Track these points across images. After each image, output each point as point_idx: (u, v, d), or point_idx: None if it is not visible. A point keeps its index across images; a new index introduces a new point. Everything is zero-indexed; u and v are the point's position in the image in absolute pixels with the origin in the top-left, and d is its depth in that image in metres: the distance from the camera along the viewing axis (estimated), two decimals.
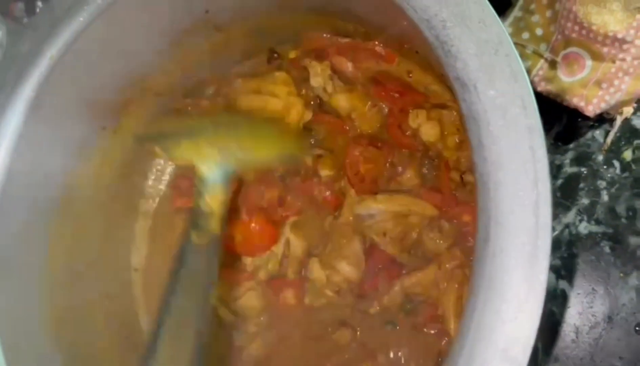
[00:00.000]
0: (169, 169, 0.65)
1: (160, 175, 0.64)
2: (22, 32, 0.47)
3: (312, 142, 0.59)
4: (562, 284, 0.56)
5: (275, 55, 0.61)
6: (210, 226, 0.50)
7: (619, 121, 0.55)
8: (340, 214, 0.56)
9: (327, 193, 0.57)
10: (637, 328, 0.54)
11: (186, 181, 0.61)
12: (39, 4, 0.63)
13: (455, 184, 0.54)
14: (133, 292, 0.62)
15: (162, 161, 0.64)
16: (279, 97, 0.57)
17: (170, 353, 0.43)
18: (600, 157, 0.57)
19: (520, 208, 0.32)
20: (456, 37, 0.34)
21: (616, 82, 0.51)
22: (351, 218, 0.56)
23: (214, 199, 0.50)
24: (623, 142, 0.57)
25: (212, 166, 0.51)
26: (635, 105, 0.54)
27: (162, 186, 0.64)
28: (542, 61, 0.55)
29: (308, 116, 0.58)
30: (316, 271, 0.56)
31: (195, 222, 0.50)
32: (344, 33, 0.56)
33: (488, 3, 0.34)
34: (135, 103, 0.56)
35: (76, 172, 0.53)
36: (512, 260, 0.31)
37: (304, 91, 0.59)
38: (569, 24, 0.51)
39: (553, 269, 0.56)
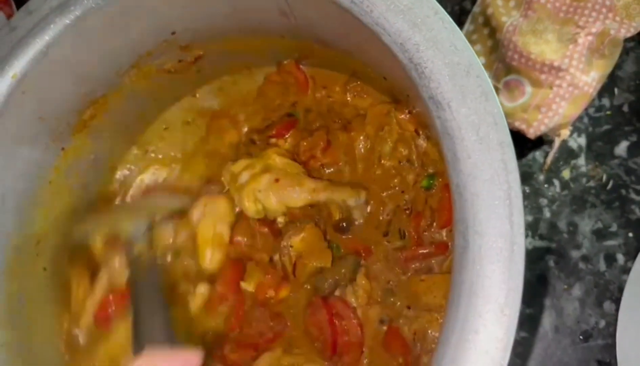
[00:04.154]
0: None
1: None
2: None
3: None
4: None
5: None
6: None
7: (557, 142, 0.59)
8: None
9: None
10: (581, 337, 0.57)
11: None
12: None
13: None
14: None
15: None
16: None
17: None
18: (541, 177, 0.61)
19: (496, 216, 0.33)
20: (429, 59, 0.36)
21: (554, 106, 0.54)
22: None
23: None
24: (561, 163, 0.61)
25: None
26: (571, 128, 0.58)
27: None
28: None
29: None
30: None
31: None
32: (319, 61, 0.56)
33: (458, 29, 0.37)
34: (92, 124, 0.55)
35: (32, 194, 0.51)
36: (492, 265, 0.33)
37: None
38: (510, 53, 0.55)
39: None
